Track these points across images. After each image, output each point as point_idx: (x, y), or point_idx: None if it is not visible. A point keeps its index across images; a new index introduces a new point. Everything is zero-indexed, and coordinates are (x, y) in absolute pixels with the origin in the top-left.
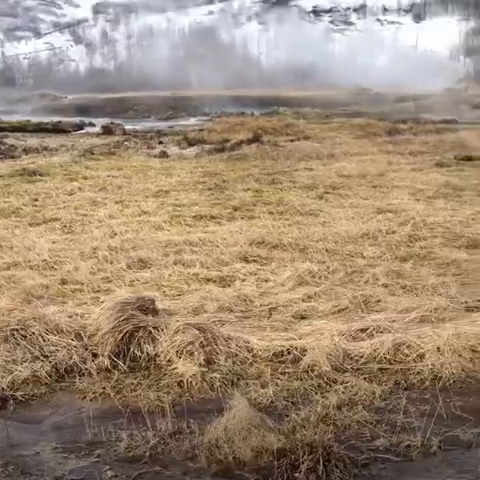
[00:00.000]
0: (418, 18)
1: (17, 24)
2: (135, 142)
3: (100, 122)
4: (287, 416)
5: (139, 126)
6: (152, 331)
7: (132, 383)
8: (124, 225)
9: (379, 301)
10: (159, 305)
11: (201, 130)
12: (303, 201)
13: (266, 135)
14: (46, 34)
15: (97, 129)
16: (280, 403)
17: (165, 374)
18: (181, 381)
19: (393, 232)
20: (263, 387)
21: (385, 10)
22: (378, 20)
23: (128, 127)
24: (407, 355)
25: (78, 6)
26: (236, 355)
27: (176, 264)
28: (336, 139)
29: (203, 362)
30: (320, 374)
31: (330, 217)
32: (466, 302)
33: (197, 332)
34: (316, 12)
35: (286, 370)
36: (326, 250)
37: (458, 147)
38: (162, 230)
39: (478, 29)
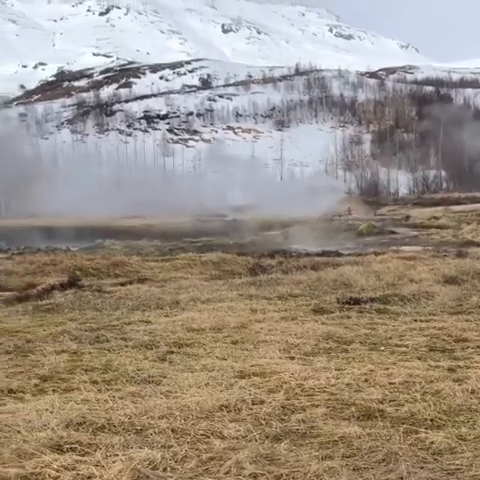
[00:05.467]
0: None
1: None
2: None
3: None
4: None
5: None
6: None
7: None
8: None
9: None
10: None
11: None
12: (139, 365)
13: (87, 277)
14: None
15: None
16: None
17: None
18: None
19: (261, 402)
20: None
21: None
22: (229, 127)
23: None
24: None
25: None
26: None
27: None
28: (182, 281)
29: None
30: None
31: (176, 385)
32: None
33: None
34: (149, 117)
35: None
36: (172, 430)
37: (341, 287)
38: None
39: (357, 139)
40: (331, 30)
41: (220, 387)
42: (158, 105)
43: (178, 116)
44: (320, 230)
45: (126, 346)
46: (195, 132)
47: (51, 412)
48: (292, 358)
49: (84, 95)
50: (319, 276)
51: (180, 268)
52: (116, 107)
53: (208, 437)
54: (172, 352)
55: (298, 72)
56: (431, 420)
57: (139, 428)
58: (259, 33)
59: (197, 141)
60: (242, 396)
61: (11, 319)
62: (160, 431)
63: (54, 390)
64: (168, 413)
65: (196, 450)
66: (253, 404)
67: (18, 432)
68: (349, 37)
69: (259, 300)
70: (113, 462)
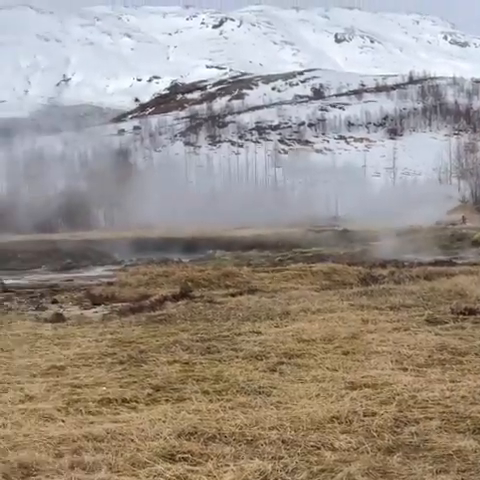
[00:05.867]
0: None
1: None
2: (19, 302)
3: None
4: None
5: (25, 280)
6: None
7: None
8: (0, 416)
9: None
10: None
11: (110, 284)
12: (249, 375)
13: (198, 288)
14: None
15: None
16: None
17: None
18: None
19: (373, 414)
20: None
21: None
22: (341, 137)
23: (9, 282)
24: None
25: None
26: None
27: (74, 468)
28: (292, 291)
29: None
30: None
31: (287, 396)
32: None
33: None
34: (261, 128)
35: None
36: (283, 441)
37: (456, 297)
38: (54, 421)
39: (472, 146)
40: (446, 37)
41: (331, 398)
42: (270, 116)
43: (290, 126)
44: (433, 239)
45: (237, 357)
46: (307, 142)
47: (163, 422)
48: (405, 369)
49: (197, 107)
50: (432, 286)
51: (290, 278)
52: (228, 119)
53: (319, 449)
54: (282, 363)
55: (412, 80)
56: None
57: (250, 439)
58: (372, 42)
59: (309, 152)
60: (353, 408)
61: (125, 330)
62: (270, 442)
63: (166, 400)
64: (278, 424)
65: (307, 462)
66: (365, 416)
67: (132, 441)
68: (464, 44)
69: (370, 310)
70: (224, 472)
